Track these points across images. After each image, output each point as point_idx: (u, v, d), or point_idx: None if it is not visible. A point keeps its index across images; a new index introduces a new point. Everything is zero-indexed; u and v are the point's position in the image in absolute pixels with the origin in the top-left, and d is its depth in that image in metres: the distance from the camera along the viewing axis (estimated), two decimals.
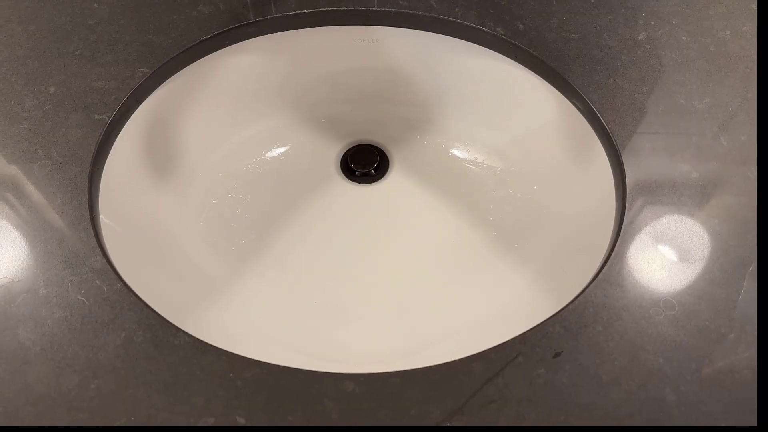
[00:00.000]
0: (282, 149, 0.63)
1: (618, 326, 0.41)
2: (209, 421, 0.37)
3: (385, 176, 0.63)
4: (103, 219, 0.45)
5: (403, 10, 0.55)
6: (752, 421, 0.38)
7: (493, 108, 0.59)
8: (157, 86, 0.52)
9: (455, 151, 0.63)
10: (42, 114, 0.48)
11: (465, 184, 0.61)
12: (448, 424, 0.37)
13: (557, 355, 0.40)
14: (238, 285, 0.53)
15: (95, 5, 0.54)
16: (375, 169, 0.63)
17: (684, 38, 0.54)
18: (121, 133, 0.50)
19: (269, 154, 0.62)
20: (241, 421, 0.37)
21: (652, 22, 0.55)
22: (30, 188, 0.45)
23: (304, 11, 0.55)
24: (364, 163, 0.63)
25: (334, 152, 0.64)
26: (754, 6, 0.56)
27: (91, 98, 0.49)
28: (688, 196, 0.46)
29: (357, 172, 0.63)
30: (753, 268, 0.43)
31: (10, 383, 0.38)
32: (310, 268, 0.56)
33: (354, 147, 0.65)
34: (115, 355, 0.39)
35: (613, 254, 0.44)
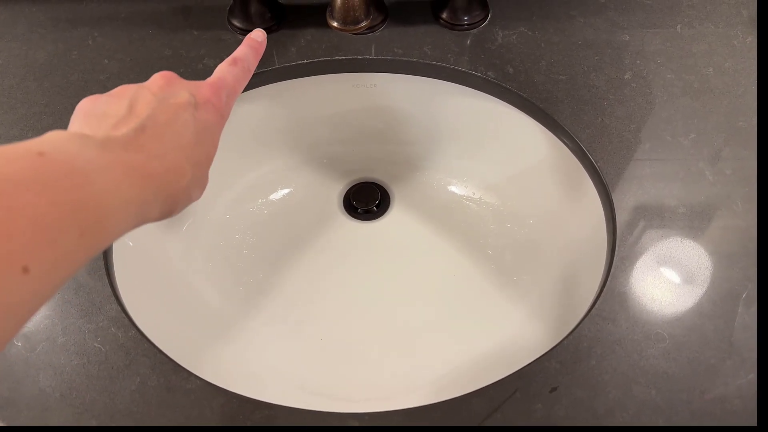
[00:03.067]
0: (286, 190, 0.65)
1: (611, 360, 0.42)
2: None
3: (387, 213, 0.65)
4: (117, 267, 0.48)
5: (398, 58, 0.57)
6: None
7: (488, 147, 0.62)
8: None
9: (453, 188, 0.65)
10: None
11: (464, 219, 0.63)
12: None
13: (553, 389, 0.41)
14: (246, 325, 0.55)
15: (106, 61, 0.57)
16: (377, 206, 0.65)
17: (669, 76, 0.56)
18: None
19: (274, 196, 0.65)
20: None
21: (638, 62, 0.57)
22: None
23: (305, 61, 0.57)
24: (366, 200, 0.65)
25: (336, 190, 0.67)
26: (736, 42, 0.58)
27: None
28: (676, 230, 0.48)
29: (359, 209, 0.65)
30: (745, 296, 0.45)
31: (31, 425, 0.40)
32: (315, 305, 0.58)
33: (356, 185, 0.67)
34: (130, 399, 0.41)
35: (605, 289, 0.45)
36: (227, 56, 0.57)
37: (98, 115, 0.32)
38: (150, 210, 0.30)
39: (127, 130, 0.30)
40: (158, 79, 0.35)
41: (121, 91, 0.34)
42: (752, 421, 0.40)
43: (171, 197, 0.31)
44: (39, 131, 0.53)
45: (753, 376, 0.41)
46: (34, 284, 0.22)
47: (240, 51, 0.40)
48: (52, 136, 0.27)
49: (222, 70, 0.38)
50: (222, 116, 0.36)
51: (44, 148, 0.25)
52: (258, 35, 0.42)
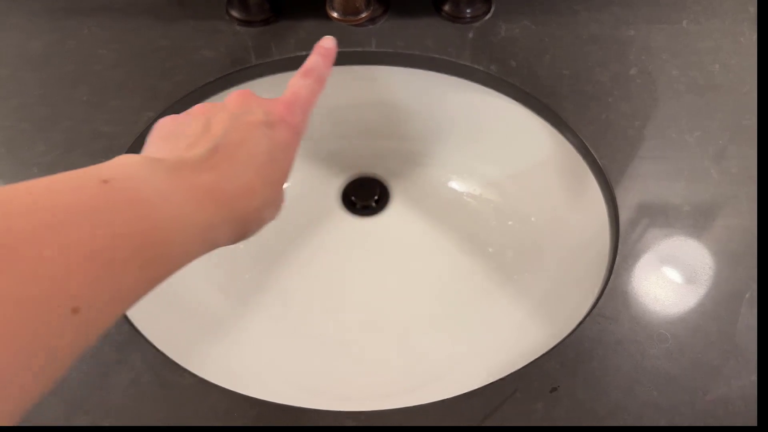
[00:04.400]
0: (284, 184, 0.64)
1: (613, 360, 0.42)
2: None
3: (386, 209, 0.64)
4: None
5: (399, 51, 0.56)
6: None
7: (490, 142, 0.61)
8: None
9: (454, 184, 0.64)
10: (52, 159, 0.50)
11: (464, 216, 0.63)
12: None
13: (554, 390, 0.40)
14: (242, 321, 0.55)
15: (101, 51, 0.56)
16: (376, 202, 0.65)
17: (674, 72, 0.55)
18: None
19: None
20: None
21: (643, 57, 0.56)
22: None
23: (304, 53, 0.56)
24: (365, 195, 0.65)
25: (335, 185, 0.66)
26: (743, 39, 0.57)
27: (98, 143, 0.51)
28: (680, 228, 0.47)
29: (358, 205, 0.64)
30: (749, 296, 0.44)
31: (24, 425, 0.39)
32: (312, 302, 0.58)
33: (355, 180, 0.66)
34: (123, 395, 0.40)
35: (607, 288, 0.45)
36: (224, 47, 0.57)
37: (174, 135, 0.32)
38: (219, 234, 0.29)
39: (200, 150, 0.29)
40: (234, 97, 0.34)
41: (197, 111, 0.33)
42: (754, 422, 0.39)
43: (242, 219, 0.30)
44: (33, 122, 0.52)
45: (756, 377, 0.41)
46: (83, 325, 0.21)
47: (310, 61, 0.39)
48: (121, 161, 0.26)
49: (294, 84, 0.37)
50: (297, 133, 0.35)
51: (110, 174, 0.24)
52: (327, 42, 0.41)
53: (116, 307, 0.23)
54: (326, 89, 0.60)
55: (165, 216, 0.25)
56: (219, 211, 0.28)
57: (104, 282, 0.21)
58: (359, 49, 0.57)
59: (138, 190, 0.24)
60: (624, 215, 0.48)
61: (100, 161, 0.50)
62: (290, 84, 0.37)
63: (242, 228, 0.31)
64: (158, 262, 0.24)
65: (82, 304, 0.20)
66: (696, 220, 0.47)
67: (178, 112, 0.54)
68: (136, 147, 0.51)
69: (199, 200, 0.27)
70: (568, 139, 0.53)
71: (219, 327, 0.53)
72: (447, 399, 0.40)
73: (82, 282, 0.21)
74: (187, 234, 0.26)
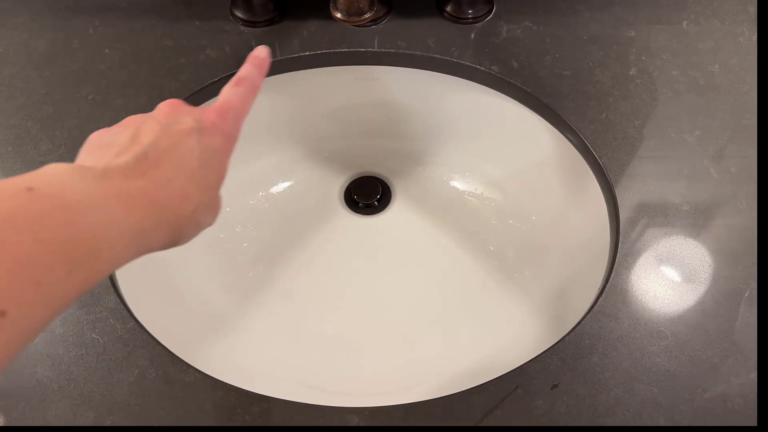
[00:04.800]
0: (287, 183, 0.65)
1: (613, 357, 0.42)
2: None
3: (388, 207, 0.65)
4: None
5: (401, 51, 0.57)
6: None
7: (491, 142, 0.61)
8: None
9: (455, 183, 0.64)
10: (57, 157, 0.50)
11: (465, 215, 0.63)
12: None
13: (555, 386, 0.41)
14: (246, 319, 0.55)
15: (106, 51, 0.57)
16: (378, 201, 0.65)
17: (674, 72, 0.56)
18: None
19: (275, 189, 0.64)
20: None
21: (643, 57, 0.57)
22: None
23: (308, 53, 0.57)
24: (368, 194, 0.65)
25: (337, 185, 0.66)
26: (742, 40, 0.58)
27: None
28: (680, 227, 0.48)
29: (360, 204, 0.65)
30: (748, 294, 0.45)
31: (30, 420, 0.39)
32: (315, 300, 0.58)
33: (357, 179, 0.67)
34: (128, 392, 0.41)
35: (607, 286, 0.45)
36: (229, 47, 0.57)
37: (104, 145, 0.32)
38: (152, 239, 0.29)
39: (128, 157, 0.30)
40: (164, 107, 0.34)
41: (128, 122, 0.34)
42: (754, 420, 0.40)
43: (175, 224, 0.30)
44: (38, 120, 0.52)
45: (755, 374, 0.41)
46: (11, 329, 0.22)
47: (243, 70, 0.39)
48: (48, 170, 0.26)
49: (227, 92, 0.37)
50: (230, 139, 0.35)
51: (34, 183, 0.24)
52: (260, 52, 0.41)
53: (47, 311, 0.23)
54: (327, 90, 0.61)
55: (92, 221, 0.25)
56: (150, 215, 0.28)
57: (30, 285, 0.22)
58: (362, 50, 0.57)
59: (63, 197, 0.25)
60: (624, 214, 0.48)
61: None
62: (222, 92, 0.37)
63: (177, 232, 0.31)
64: (88, 266, 0.25)
65: (9, 307, 0.21)
66: (695, 219, 0.48)
67: None
68: None
69: (128, 205, 0.27)
70: (568, 138, 0.54)
71: (223, 324, 0.54)
72: (449, 395, 0.40)
73: (6, 285, 0.21)
74: (117, 239, 0.26)
